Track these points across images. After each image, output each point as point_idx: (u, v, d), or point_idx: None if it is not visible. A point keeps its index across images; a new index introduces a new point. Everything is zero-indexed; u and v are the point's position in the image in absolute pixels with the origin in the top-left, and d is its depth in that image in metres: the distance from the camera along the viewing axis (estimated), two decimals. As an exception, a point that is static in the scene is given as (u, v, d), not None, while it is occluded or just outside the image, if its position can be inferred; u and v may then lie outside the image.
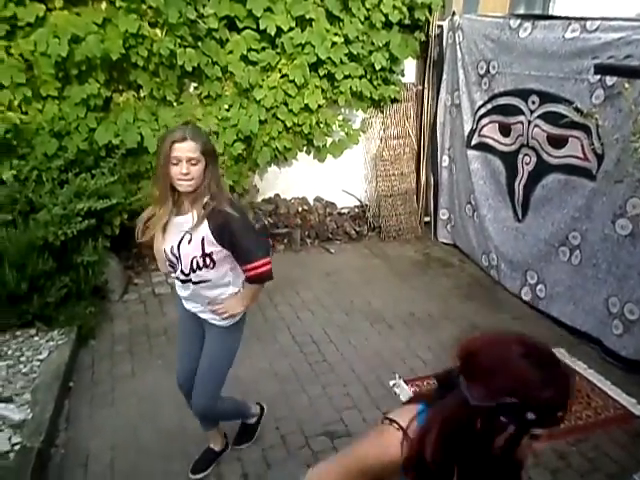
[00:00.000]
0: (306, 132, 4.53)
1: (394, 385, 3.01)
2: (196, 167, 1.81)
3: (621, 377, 3.05)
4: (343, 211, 5.23)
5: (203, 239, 1.88)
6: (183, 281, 2.02)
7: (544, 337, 3.45)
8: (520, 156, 3.92)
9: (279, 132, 4.44)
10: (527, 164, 3.87)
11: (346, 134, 4.80)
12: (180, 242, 1.91)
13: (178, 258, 1.94)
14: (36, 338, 3.27)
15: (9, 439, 2.43)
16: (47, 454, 2.50)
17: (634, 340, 3.07)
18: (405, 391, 2.96)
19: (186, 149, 1.79)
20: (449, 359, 3.48)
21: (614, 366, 3.14)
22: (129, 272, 4.35)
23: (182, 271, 1.96)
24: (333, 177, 5.06)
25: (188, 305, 2.13)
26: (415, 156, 5.15)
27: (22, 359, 3.06)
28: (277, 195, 5.01)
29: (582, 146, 3.36)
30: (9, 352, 3.12)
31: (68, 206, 3.35)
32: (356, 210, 5.27)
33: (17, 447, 2.40)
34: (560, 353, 3.26)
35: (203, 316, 2.11)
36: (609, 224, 3.19)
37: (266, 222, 4.76)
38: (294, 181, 5.00)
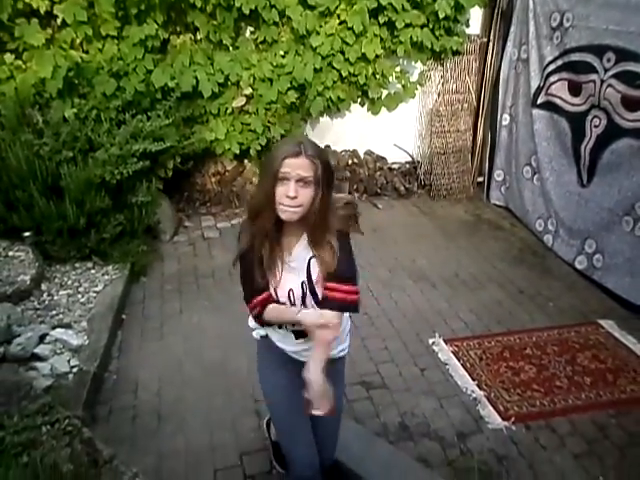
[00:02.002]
0: (361, 83, 4.40)
1: (433, 343, 3.02)
2: (306, 190, 1.42)
3: (672, 355, 2.93)
4: (393, 166, 5.13)
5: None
6: None
7: (593, 308, 3.36)
8: (589, 117, 3.68)
9: (334, 82, 4.33)
10: (596, 127, 3.64)
11: (403, 87, 4.64)
12: (309, 276, 1.54)
13: (304, 296, 1.55)
14: (93, 271, 3.45)
15: (68, 361, 2.63)
16: (101, 378, 2.69)
17: None
18: (444, 350, 2.96)
19: (298, 165, 1.40)
20: (491, 322, 3.46)
21: (666, 343, 3.02)
22: (180, 214, 4.47)
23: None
24: (385, 131, 4.94)
25: (298, 349, 1.64)
26: (473, 113, 4.94)
27: (80, 290, 3.25)
28: (327, 146, 4.95)
29: (659, 109, 3.13)
30: (69, 282, 3.31)
31: (124, 147, 3.44)
32: (407, 166, 5.16)
33: (75, 369, 2.59)
34: (609, 325, 3.17)
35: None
36: (679, 195, 3.00)
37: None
38: (345, 133, 4.92)
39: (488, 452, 2.34)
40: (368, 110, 4.77)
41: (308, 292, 1.55)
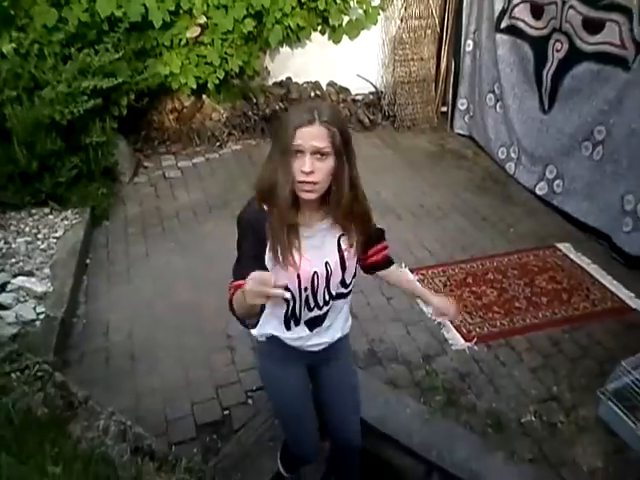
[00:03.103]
0: (321, 9, 4.21)
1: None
2: (324, 164, 1.23)
3: (623, 273, 3.09)
4: (357, 98, 5.02)
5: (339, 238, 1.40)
6: (322, 306, 1.44)
7: (552, 232, 3.48)
8: (551, 42, 3.65)
9: (292, 8, 4.12)
10: (558, 51, 3.61)
11: (364, 12, 4.46)
12: (341, 254, 1.39)
13: (329, 275, 1.39)
14: (51, 217, 3.34)
15: (34, 309, 2.59)
16: (70, 323, 2.68)
17: None
18: (410, 279, 3.05)
19: (313, 135, 1.21)
20: (455, 250, 3.54)
21: (618, 262, 3.17)
22: (138, 155, 4.32)
23: (329, 292, 1.43)
24: (348, 61, 4.79)
25: (311, 343, 1.50)
26: (437, 40, 4.82)
27: (39, 236, 3.16)
28: (289, 78, 4.79)
29: (620, 32, 3.10)
30: (26, 229, 3.20)
31: (73, 84, 3.23)
32: (371, 97, 5.05)
33: (42, 316, 2.56)
34: (564, 246, 3.30)
35: (327, 346, 1.54)
36: (637, 118, 3.05)
37: (277, 107, 4.60)
38: (307, 64, 4.75)
39: (452, 371, 2.48)
40: (329, 39, 4.60)
41: (335, 271, 1.39)
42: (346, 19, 4.46)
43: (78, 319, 2.75)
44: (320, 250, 1.36)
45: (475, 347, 2.60)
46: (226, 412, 2.28)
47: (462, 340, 2.64)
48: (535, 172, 3.95)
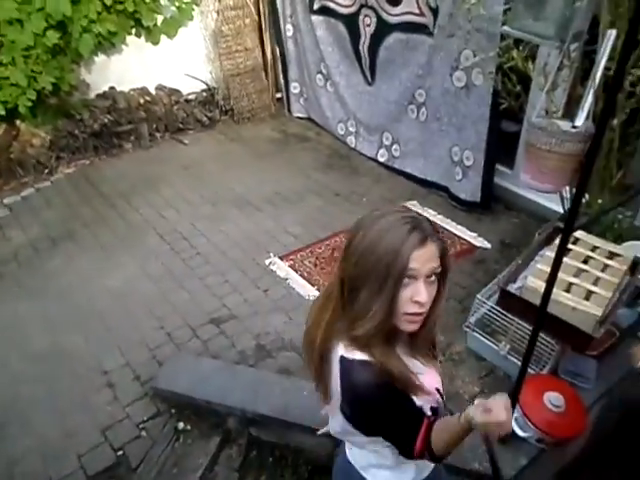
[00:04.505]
0: (130, 10, 3.99)
1: (270, 264, 3.11)
2: (432, 287, 1.04)
3: (464, 217, 3.45)
4: (190, 97, 4.88)
5: None
6: None
7: (399, 193, 3.74)
8: (361, 17, 3.87)
9: (98, 13, 3.85)
10: (368, 26, 3.85)
11: (177, 9, 4.32)
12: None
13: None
14: None
15: None
16: None
17: (470, 184, 3.43)
18: (281, 267, 3.08)
19: (428, 256, 1.00)
20: (317, 229, 3.62)
21: (458, 209, 3.52)
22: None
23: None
24: (173, 61, 4.62)
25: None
26: (257, 28, 4.85)
27: None
28: (112, 88, 4.49)
29: (417, 1, 3.39)
30: None
31: None
32: (204, 95, 4.95)
33: None
34: (412, 204, 3.57)
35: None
36: (447, 78, 3.36)
37: (106, 120, 4.30)
38: (129, 70, 4.48)
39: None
40: (147, 41, 4.38)
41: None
42: (160, 18, 4.29)
43: None
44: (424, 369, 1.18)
45: (354, 315, 2.71)
46: (120, 453, 2.12)
47: (341, 312, 2.73)
48: (374, 141, 4.20)
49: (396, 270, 0.98)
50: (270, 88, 5.07)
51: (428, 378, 1.14)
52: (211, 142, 4.58)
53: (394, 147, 4.02)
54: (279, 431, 2.19)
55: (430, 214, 3.47)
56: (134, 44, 4.35)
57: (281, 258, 3.15)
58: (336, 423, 1.21)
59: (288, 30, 4.67)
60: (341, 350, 1.08)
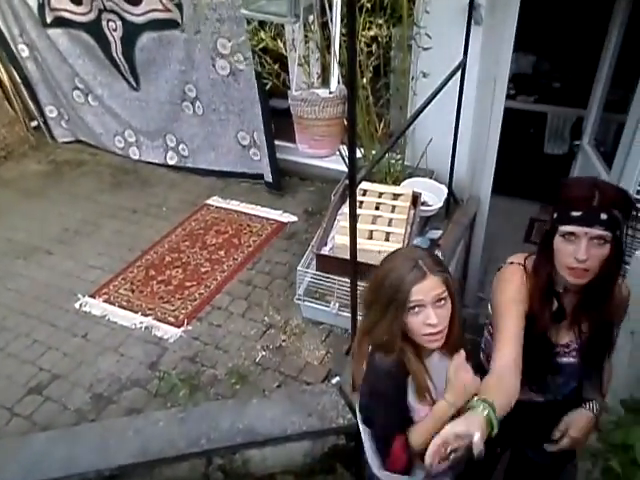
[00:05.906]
0: None
1: (81, 305, 2.81)
2: (444, 310, 1.26)
3: (268, 198, 3.54)
4: None
5: None
6: None
7: (198, 193, 3.68)
8: (104, 23, 3.61)
9: None
10: (115, 30, 3.62)
11: None
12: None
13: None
14: None
15: None
16: None
17: (272, 163, 3.48)
18: (95, 305, 2.80)
19: (430, 287, 1.22)
20: (124, 253, 3.38)
21: (261, 191, 3.60)
22: None
23: None
24: None
25: None
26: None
27: None
28: None
29: (158, -3, 3.30)
30: None
31: None
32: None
33: None
34: (214, 201, 3.54)
35: None
36: (211, 68, 3.36)
37: None
38: None
39: (181, 361, 2.45)
40: None
41: None
42: None
43: None
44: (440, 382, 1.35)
45: (189, 327, 2.62)
46: None
47: (174, 329, 2.62)
48: (159, 146, 4.03)
49: (398, 302, 1.22)
50: (21, 118, 4.48)
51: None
52: (-34, 194, 3.90)
53: (181, 147, 3.92)
54: (144, 473, 2.03)
55: (234, 205, 3.49)
56: None
57: (92, 296, 2.86)
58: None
59: (22, 51, 4.15)
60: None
